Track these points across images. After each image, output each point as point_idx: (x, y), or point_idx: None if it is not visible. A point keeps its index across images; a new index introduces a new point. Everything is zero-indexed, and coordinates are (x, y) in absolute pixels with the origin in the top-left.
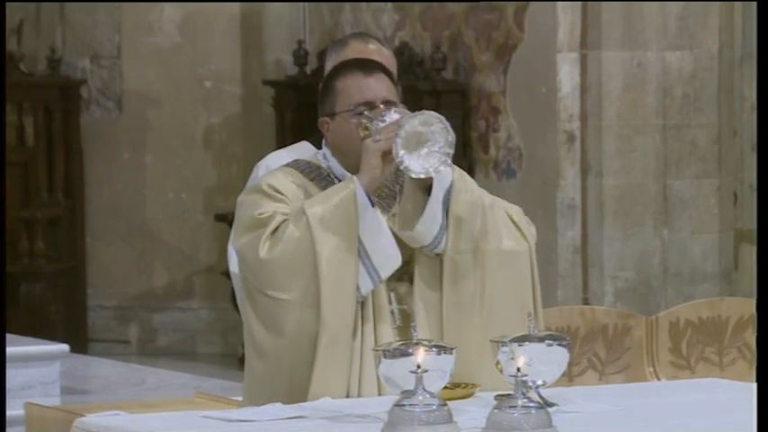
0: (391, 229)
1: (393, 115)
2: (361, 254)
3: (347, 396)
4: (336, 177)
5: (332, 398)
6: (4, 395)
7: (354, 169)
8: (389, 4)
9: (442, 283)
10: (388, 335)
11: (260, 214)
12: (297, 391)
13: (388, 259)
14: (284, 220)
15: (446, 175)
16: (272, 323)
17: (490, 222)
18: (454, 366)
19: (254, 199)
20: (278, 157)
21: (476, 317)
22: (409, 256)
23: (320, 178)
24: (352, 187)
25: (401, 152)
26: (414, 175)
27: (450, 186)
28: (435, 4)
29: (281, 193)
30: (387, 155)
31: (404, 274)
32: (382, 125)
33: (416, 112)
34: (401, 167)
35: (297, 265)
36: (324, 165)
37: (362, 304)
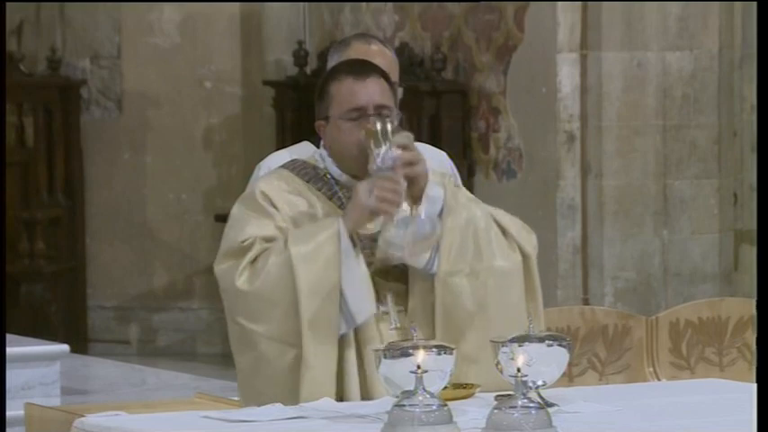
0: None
1: (392, 152)
2: (341, 297)
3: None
4: (333, 178)
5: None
6: (4, 396)
7: (349, 171)
8: (389, 4)
9: (434, 306)
10: (389, 335)
11: (242, 242)
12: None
13: (364, 308)
14: (265, 250)
15: (437, 196)
16: (239, 348)
17: (484, 243)
18: (454, 367)
19: (244, 215)
20: (279, 158)
21: (469, 334)
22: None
23: (316, 179)
24: (336, 228)
25: (391, 232)
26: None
27: (442, 209)
28: (435, 4)
29: (273, 205)
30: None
31: (401, 275)
32: (384, 165)
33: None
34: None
35: (274, 300)
36: (321, 166)
37: None
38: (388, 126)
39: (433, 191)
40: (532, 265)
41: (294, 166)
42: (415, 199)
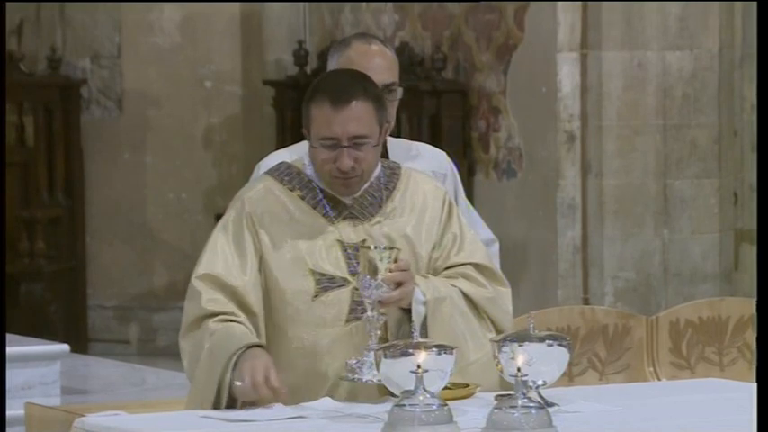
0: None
1: (376, 291)
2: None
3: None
4: (318, 186)
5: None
6: (4, 395)
7: (325, 181)
8: (389, 4)
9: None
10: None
11: (200, 276)
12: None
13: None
14: (209, 324)
15: (420, 312)
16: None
17: (461, 342)
18: (455, 367)
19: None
20: (279, 157)
21: None
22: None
23: (301, 186)
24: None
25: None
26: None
27: (424, 320)
28: (435, 4)
29: (253, 227)
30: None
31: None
32: (370, 296)
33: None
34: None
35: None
36: (306, 172)
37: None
38: (378, 262)
39: (417, 306)
40: (508, 299)
41: (279, 173)
42: (406, 312)
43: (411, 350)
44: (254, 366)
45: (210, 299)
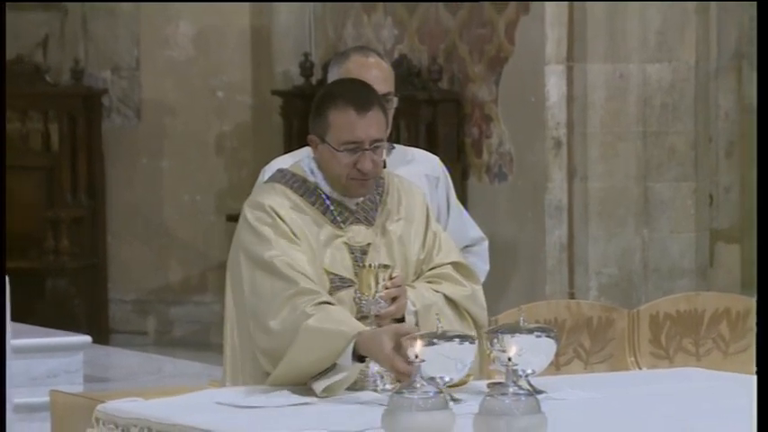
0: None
1: (375, 306)
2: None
3: None
4: (324, 194)
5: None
6: (4, 393)
7: (341, 192)
8: (389, 18)
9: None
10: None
11: (271, 257)
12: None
13: (319, 391)
14: (307, 300)
15: (411, 320)
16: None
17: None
18: (475, 358)
19: (258, 229)
20: (282, 162)
21: None
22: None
23: (308, 193)
24: (346, 347)
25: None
26: None
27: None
28: (432, 19)
29: (282, 219)
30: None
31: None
32: (370, 311)
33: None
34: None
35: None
36: (311, 179)
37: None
38: (374, 280)
39: (409, 316)
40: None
41: (285, 180)
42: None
43: (436, 339)
44: (386, 352)
45: (303, 281)
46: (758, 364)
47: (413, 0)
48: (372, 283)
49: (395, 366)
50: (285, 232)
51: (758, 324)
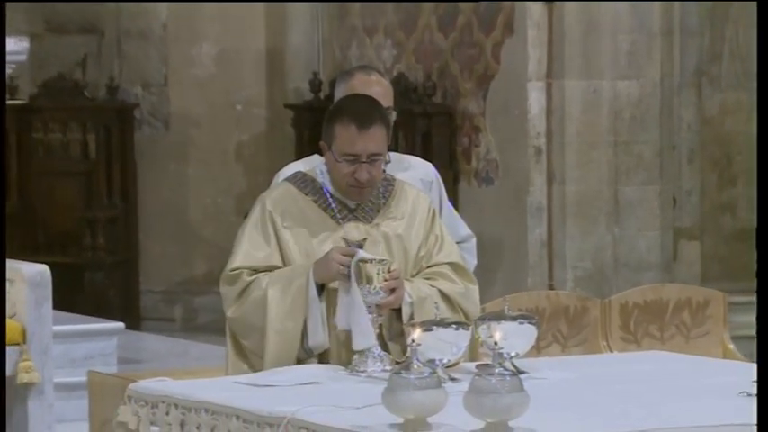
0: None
1: (375, 297)
2: (303, 333)
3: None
4: (328, 192)
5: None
6: (4, 390)
7: (340, 188)
8: (389, 40)
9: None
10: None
11: (232, 270)
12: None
13: (320, 345)
14: (250, 283)
15: (407, 312)
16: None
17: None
18: (470, 342)
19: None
20: (293, 168)
21: None
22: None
23: (314, 192)
24: (305, 279)
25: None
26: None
27: (411, 316)
28: (427, 40)
29: (273, 223)
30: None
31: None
32: (368, 300)
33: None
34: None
35: (253, 325)
36: (319, 180)
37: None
38: (374, 273)
39: (405, 307)
40: (476, 295)
41: (296, 180)
42: (396, 310)
43: (435, 326)
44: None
45: (249, 275)
46: (758, 364)
47: None
48: (373, 276)
49: (332, 257)
50: (264, 233)
51: (758, 324)
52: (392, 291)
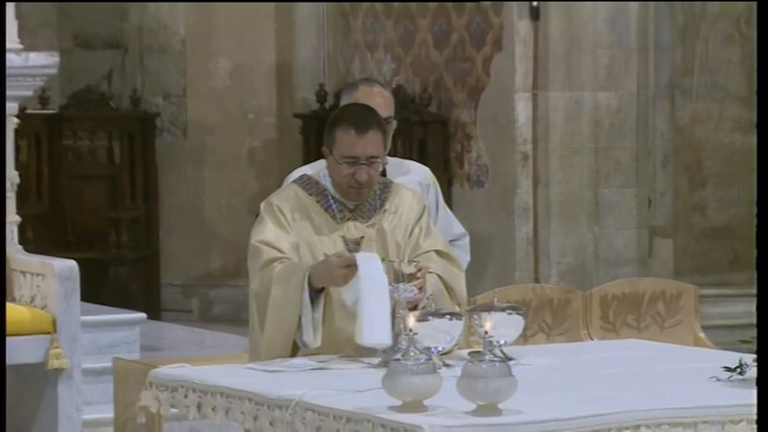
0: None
1: (408, 294)
2: (298, 329)
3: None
4: (330, 194)
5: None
6: (4, 386)
7: (340, 190)
8: (388, 55)
9: None
10: None
11: (261, 241)
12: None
13: (310, 343)
14: (272, 262)
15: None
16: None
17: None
18: (462, 332)
19: (266, 220)
20: (302, 171)
21: None
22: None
23: (318, 193)
24: (303, 281)
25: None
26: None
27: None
28: (423, 55)
29: (284, 215)
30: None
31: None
32: (401, 297)
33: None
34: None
35: (259, 308)
36: (322, 182)
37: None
38: (405, 269)
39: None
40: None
41: (302, 182)
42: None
43: (428, 316)
44: (327, 268)
45: (270, 253)
46: (758, 364)
47: None
48: (403, 273)
49: (332, 262)
50: (279, 220)
51: (758, 324)
52: (419, 288)
